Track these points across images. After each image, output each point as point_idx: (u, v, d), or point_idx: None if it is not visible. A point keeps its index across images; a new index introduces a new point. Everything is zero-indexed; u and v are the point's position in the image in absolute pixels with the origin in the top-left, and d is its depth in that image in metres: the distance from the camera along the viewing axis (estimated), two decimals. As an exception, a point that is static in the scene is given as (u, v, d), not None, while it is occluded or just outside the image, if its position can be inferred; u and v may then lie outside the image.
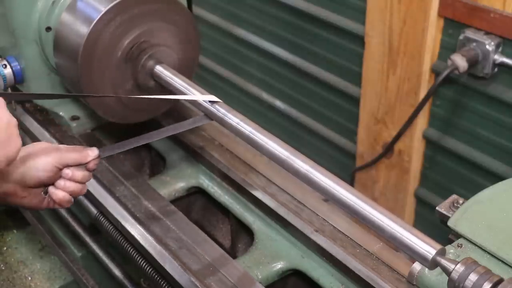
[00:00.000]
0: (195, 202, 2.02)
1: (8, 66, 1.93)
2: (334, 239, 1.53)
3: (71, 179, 1.28)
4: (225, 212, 1.91)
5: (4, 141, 1.08)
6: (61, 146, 1.31)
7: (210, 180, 1.88)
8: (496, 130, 2.26)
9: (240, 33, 3.14)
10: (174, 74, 1.73)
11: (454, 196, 1.36)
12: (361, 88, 2.60)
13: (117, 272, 1.86)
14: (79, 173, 1.28)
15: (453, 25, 2.21)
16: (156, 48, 1.78)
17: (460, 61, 2.13)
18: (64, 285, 2.21)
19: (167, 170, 1.94)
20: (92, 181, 1.73)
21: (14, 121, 1.11)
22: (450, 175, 2.48)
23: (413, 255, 1.14)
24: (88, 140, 1.99)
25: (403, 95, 2.43)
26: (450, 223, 1.27)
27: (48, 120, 2.05)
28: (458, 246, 1.23)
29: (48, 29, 1.86)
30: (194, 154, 1.93)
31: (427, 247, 1.12)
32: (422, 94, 2.36)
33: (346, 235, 1.55)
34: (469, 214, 1.27)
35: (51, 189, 1.29)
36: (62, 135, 1.99)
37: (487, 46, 2.11)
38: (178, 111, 2.06)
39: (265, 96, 3.18)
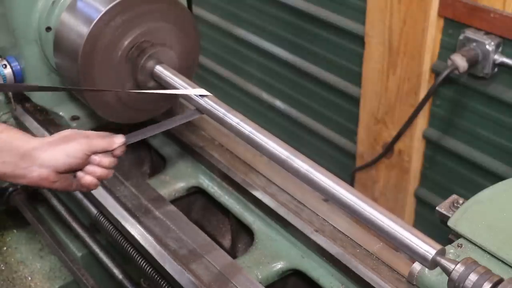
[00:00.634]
0: (195, 202, 2.02)
1: (8, 66, 1.93)
2: (334, 239, 1.53)
3: (99, 165, 1.37)
4: (225, 212, 1.91)
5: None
6: (90, 133, 1.39)
7: (210, 180, 1.88)
8: (496, 130, 2.26)
9: (240, 33, 3.14)
10: (174, 74, 1.73)
11: (454, 196, 1.36)
12: (361, 88, 2.60)
13: (117, 272, 1.86)
14: (106, 160, 1.38)
15: (453, 25, 2.21)
16: (156, 48, 1.78)
17: (460, 61, 2.13)
18: (64, 285, 2.21)
19: (167, 170, 1.94)
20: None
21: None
22: (450, 175, 2.48)
23: (413, 255, 1.14)
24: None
25: (403, 95, 2.43)
26: (450, 223, 1.27)
27: (48, 120, 2.05)
28: (458, 246, 1.23)
29: (48, 29, 1.86)
30: (194, 154, 1.93)
31: (427, 247, 1.12)
32: (422, 94, 2.36)
33: (346, 235, 1.55)
34: (469, 214, 1.27)
35: (79, 174, 1.37)
36: (62, 135, 1.99)
37: (487, 46, 2.11)
38: (178, 111, 2.06)
39: (265, 96, 3.18)
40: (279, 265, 1.60)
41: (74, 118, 2.03)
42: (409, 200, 2.64)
